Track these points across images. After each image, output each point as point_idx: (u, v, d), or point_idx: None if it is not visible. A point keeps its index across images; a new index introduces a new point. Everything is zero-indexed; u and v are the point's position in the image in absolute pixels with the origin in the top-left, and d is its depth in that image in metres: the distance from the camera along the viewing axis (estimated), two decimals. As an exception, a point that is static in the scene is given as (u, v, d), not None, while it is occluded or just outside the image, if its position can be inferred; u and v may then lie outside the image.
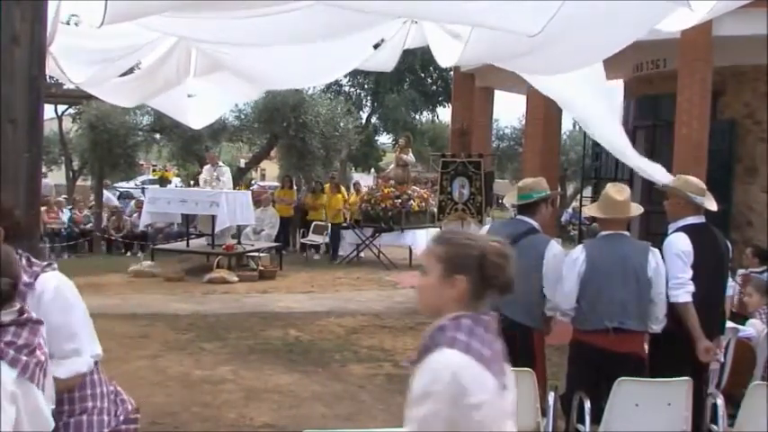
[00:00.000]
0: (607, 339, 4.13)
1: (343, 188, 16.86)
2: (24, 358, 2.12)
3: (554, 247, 4.51)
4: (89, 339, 2.68)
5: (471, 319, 1.98)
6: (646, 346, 4.39)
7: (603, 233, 4.39)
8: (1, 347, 2.09)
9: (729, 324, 4.94)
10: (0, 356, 2.08)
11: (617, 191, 4.37)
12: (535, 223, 4.58)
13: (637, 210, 4.45)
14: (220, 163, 13.87)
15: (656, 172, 5.99)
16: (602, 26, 4.30)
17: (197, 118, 8.03)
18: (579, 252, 4.29)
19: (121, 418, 2.77)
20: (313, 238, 15.16)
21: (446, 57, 5.49)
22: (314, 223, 15.24)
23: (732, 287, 6.23)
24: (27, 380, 2.12)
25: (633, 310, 4.16)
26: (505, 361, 2.07)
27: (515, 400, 2.10)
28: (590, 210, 4.66)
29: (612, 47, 4.69)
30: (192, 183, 16.39)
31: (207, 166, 13.58)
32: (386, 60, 6.28)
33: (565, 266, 4.31)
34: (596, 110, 5.84)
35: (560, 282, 4.31)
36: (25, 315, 2.20)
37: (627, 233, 4.47)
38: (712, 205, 4.42)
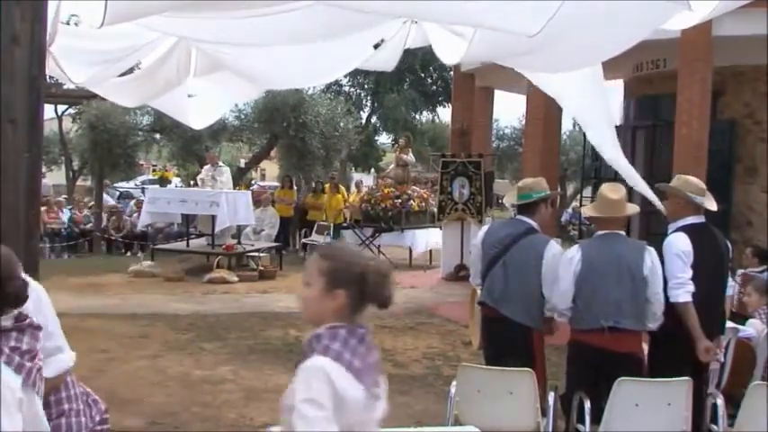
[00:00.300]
0: (603, 338, 4.13)
1: (342, 188, 16.84)
2: (28, 364, 2.11)
3: (553, 247, 4.52)
4: (63, 337, 2.69)
5: (347, 331, 2.12)
6: (645, 346, 4.40)
7: (599, 233, 4.40)
8: (7, 353, 2.07)
9: (729, 324, 4.94)
10: (5, 362, 2.06)
11: (612, 190, 4.38)
12: (534, 223, 4.59)
13: (632, 209, 4.47)
14: (220, 163, 13.87)
15: (646, 190, 5.97)
16: (605, 26, 4.30)
17: (198, 118, 8.02)
18: (575, 252, 4.30)
19: (97, 418, 2.75)
20: (315, 237, 15.16)
21: (449, 54, 5.50)
22: (317, 223, 15.23)
23: (732, 287, 6.23)
24: (30, 386, 2.12)
25: (628, 310, 4.16)
26: (380, 373, 2.19)
27: (385, 409, 2.20)
28: (587, 210, 4.67)
29: (616, 47, 4.70)
30: (192, 183, 16.40)
31: (206, 166, 13.59)
32: (386, 60, 6.27)
33: (561, 266, 4.32)
34: (594, 111, 5.84)
35: (556, 281, 4.32)
36: (27, 320, 2.19)
37: (622, 232, 4.48)
38: (712, 205, 4.42)
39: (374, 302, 2.18)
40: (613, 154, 5.96)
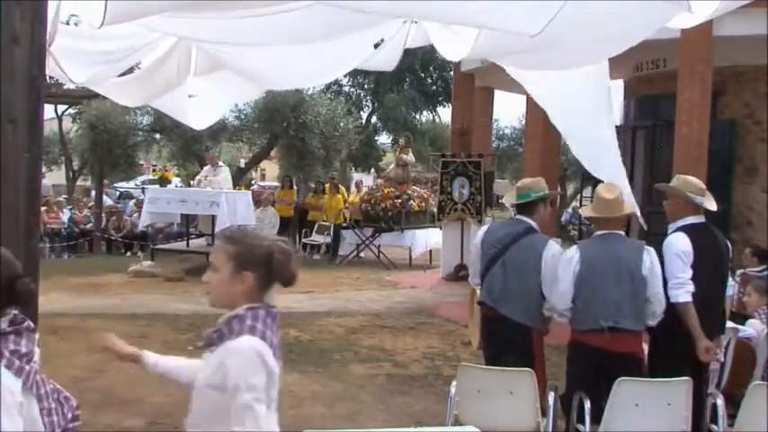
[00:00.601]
0: (603, 339, 4.13)
1: (342, 188, 16.84)
2: (27, 367, 2.11)
3: (553, 247, 4.51)
4: None
5: (265, 311, 2.24)
6: (645, 346, 4.40)
7: (598, 233, 4.40)
8: (7, 356, 2.07)
9: (729, 324, 4.94)
10: (6, 366, 2.06)
11: (607, 190, 4.40)
12: (533, 223, 4.59)
13: (630, 207, 4.47)
14: (220, 163, 13.85)
15: (634, 205, 5.94)
16: (607, 26, 4.31)
17: (198, 118, 8.03)
18: (574, 252, 4.29)
19: (69, 416, 2.72)
20: (315, 238, 15.16)
21: (451, 51, 5.50)
22: (317, 223, 15.23)
23: (732, 287, 6.24)
24: (28, 389, 2.12)
25: (627, 310, 4.16)
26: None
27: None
28: (585, 210, 4.68)
29: (617, 46, 4.70)
30: (191, 183, 16.39)
31: (207, 167, 13.59)
32: (386, 60, 6.28)
33: (560, 267, 4.32)
34: (593, 112, 5.83)
35: (556, 282, 4.32)
36: (25, 323, 2.18)
37: (622, 233, 4.48)
38: (712, 205, 4.42)
39: (280, 281, 2.29)
40: (609, 158, 5.92)
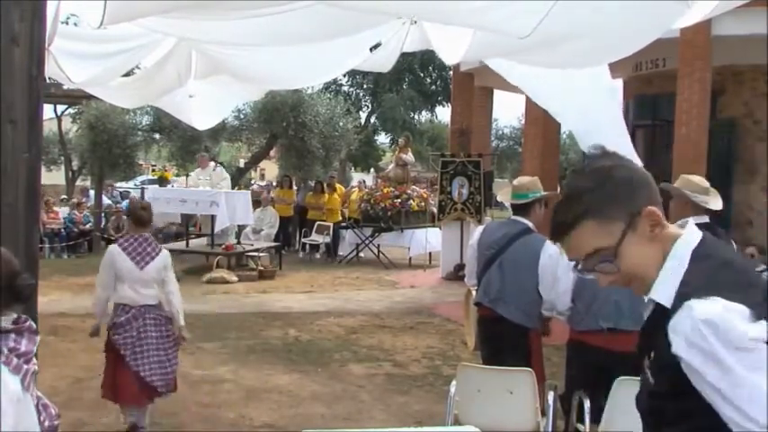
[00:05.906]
0: (602, 338, 4.13)
1: (341, 186, 16.84)
2: (24, 366, 2.12)
3: (550, 247, 4.50)
4: None
5: None
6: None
7: None
8: (5, 353, 2.08)
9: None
10: (4, 363, 2.06)
11: None
12: (530, 223, 4.58)
13: None
14: (211, 164, 13.79)
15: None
16: (609, 30, 4.31)
17: (201, 119, 8.04)
18: None
19: (46, 424, 2.72)
20: (315, 237, 15.17)
21: (449, 54, 5.50)
22: (317, 223, 15.24)
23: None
24: (25, 389, 2.12)
25: (627, 311, 4.15)
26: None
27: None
28: None
29: (621, 50, 4.70)
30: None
31: (198, 169, 13.56)
32: (383, 61, 6.28)
33: (560, 267, 4.30)
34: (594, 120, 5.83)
35: (556, 282, 4.31)
36: (27, 323, 2.19)
37: None
38: (716, 204, 4.40)
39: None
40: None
